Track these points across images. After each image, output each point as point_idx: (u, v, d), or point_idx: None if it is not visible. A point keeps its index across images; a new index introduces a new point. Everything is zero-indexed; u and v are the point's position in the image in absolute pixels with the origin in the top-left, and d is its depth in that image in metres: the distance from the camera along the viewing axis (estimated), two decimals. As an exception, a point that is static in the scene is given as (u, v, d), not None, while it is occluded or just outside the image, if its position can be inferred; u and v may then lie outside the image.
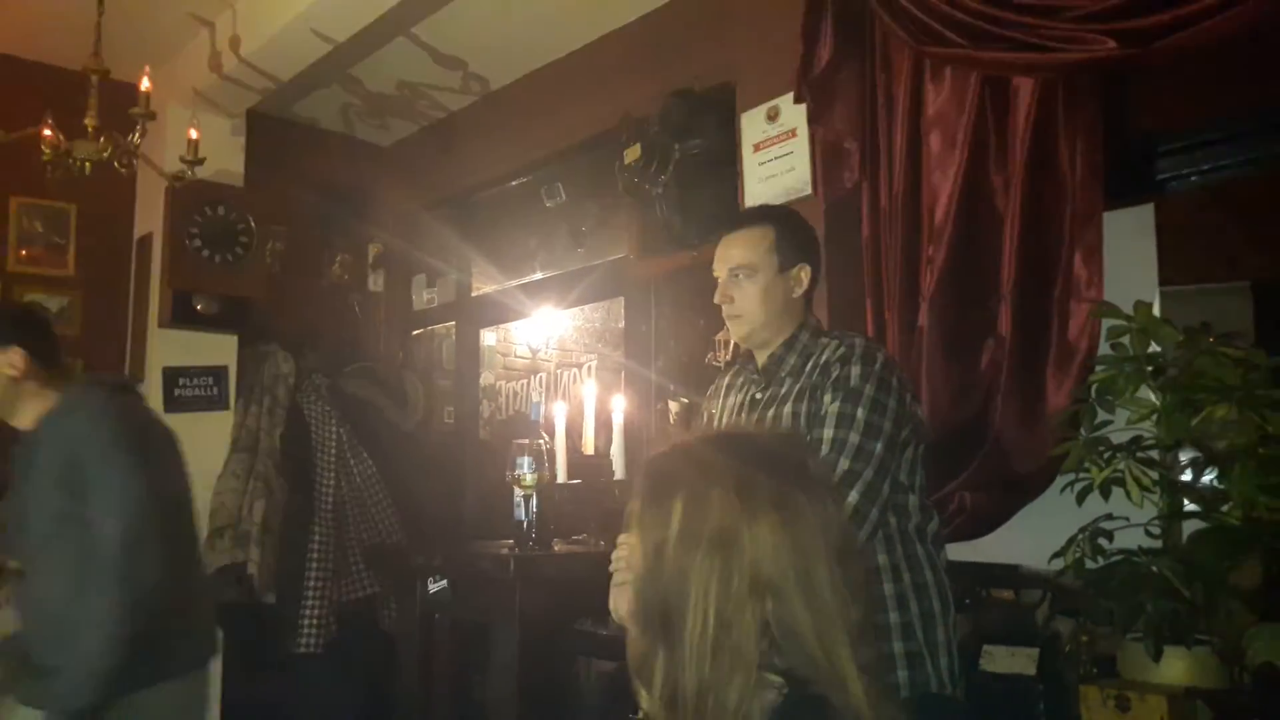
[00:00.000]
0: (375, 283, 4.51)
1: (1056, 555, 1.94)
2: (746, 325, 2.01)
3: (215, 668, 3.54)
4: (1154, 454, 1.87)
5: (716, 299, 2.03)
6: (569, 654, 2.75)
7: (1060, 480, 2.02)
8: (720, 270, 2.02)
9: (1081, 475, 1.92)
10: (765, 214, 2.11)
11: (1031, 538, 2.18)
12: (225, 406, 3.65)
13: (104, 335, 3.87)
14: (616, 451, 2.91)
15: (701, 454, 1.15)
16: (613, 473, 2.89)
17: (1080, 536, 1.91)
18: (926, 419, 2.20)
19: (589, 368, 4.14)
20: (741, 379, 2.11)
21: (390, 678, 3.27)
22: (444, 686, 2.86)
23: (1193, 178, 2.22)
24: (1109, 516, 1.87)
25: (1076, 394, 2.05)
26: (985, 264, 2.25)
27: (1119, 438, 1.89)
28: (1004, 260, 2.19)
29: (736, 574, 1.04)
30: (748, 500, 1.06)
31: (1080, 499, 1.92)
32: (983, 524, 2.26)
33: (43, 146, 2.82)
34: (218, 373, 3.66)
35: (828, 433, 1.82)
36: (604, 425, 2.98)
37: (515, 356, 4.70)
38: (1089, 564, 1.90)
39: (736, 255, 1.99)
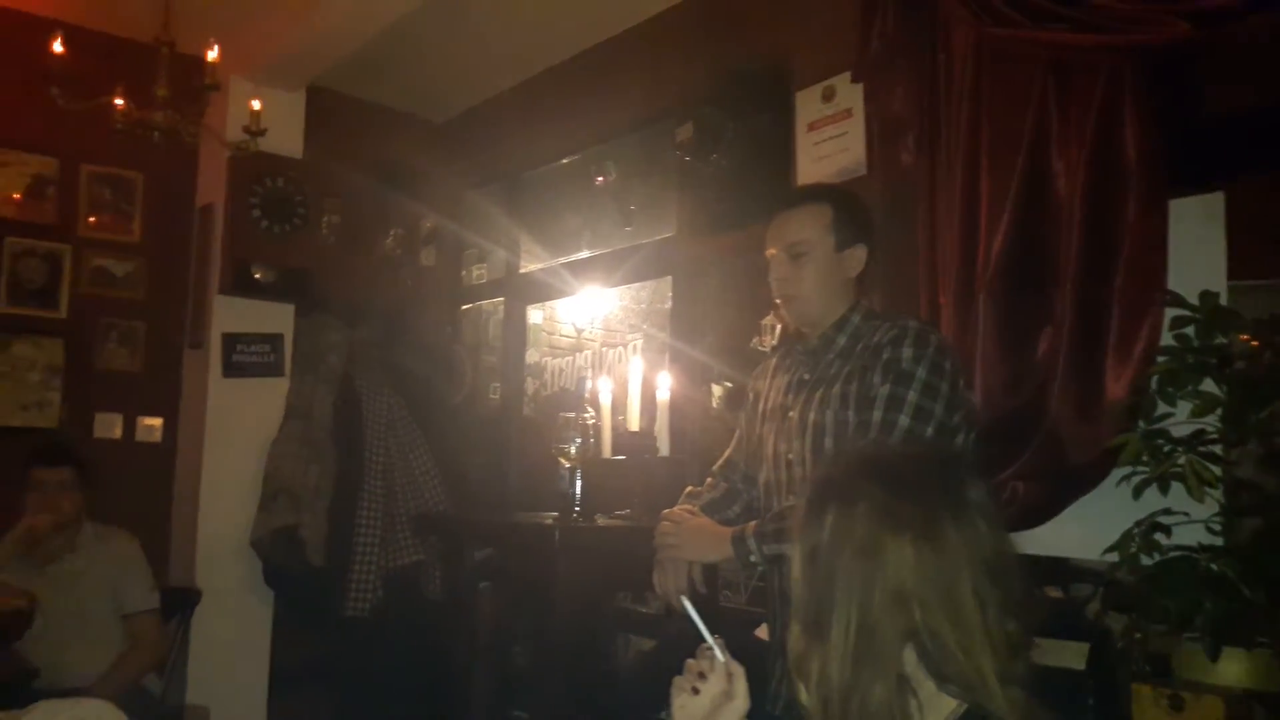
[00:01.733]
0: (426, 257, 4.55)
1: (1110, 549, 1.91)
2: (799, 305, 1.99)
3: (266, 626, 3.67)
4: (1216, 449, 1.82)
5: (770, 277, 2.01)
6: (609, 628, 2.78)
7: (1116, 473, 1.99)
8: (774, 247, 1.99)
9: (1139, 468, 1.88)
10: (822, 192, 2.09)
11: (1082, 530, 2.14)
12: (281, 373, 3.72)
13: (167, 300, 3.98)
14: (661, 429, 2.91)
15: (859, 468, 1.20)
16: (657, 450, 2.89)
17: (1135, 531, 1.87)
18: (979, 406, 2.18)
19: (634, 346, 4.15)
20: (790, 360, 2.10)
21: (434, 644, 3.32)
22: (486, 654, 2.89)
23: (1266, 166, 2.15)
24: (1166, 511, 1.83)
25: (1136, 385, 2.00)
26: (1044, 250, 2.20)
27: (1180, 431, 1.85)
28: (1064, 247, 2.14)
29: (879, 586, 1.09)
30: (894, 517, 1.12)
31: (1137, 493, 1.87)
32: (1034, 515, 2.22)
33: (115, 116, 2.89)
34: (274, 340, 3.73)
35: (877, 415, 1.80)
36: (649, 403, 2.98)
37: (560, 335, 4.71)
38: (1144, 559, 1.86)
39: (792, 232, 1.97)
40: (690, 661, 1.31)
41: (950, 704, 1.11)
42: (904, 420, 1.79)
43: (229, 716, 3.35)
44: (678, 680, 1.30)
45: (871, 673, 1.08)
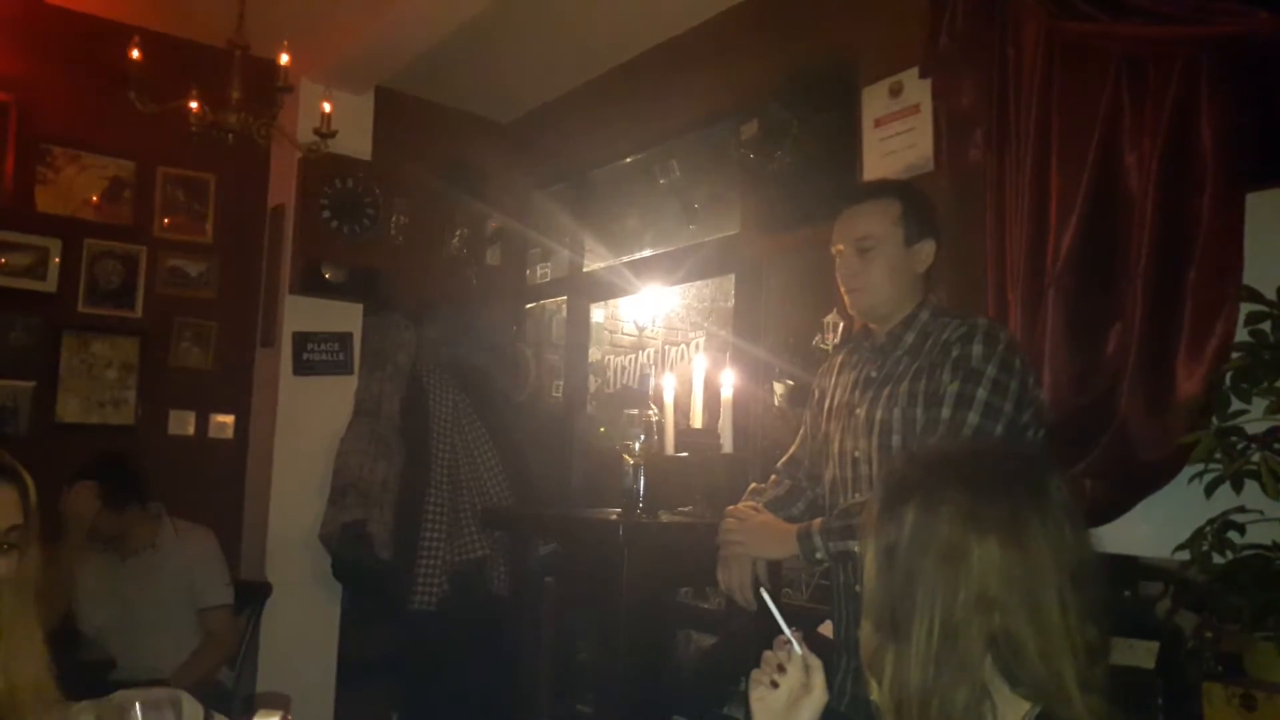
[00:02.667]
0: (492, 257, 4.61)
1: (1181, 548, 1.88)
2: (867, 299, 1.98)
3: (335, 619, 3.75)
4: (1293, 446, 1.79)
5: (838, 272, 2.01)
6: (672, 625, 2.79)
7: (1187, 470, 1.96)
8: (842, 242, 1.99)
9: (1211, 466, 1.85)
10: (891, 186, 2.08)
11: (1152, 528, 2.12)
12: (350, 371, 3.80)
13: (239, 300, 4.07)
14: (724, 426, 2.91)
15: (940, 467, 1.18)
16: (720, 446, 2.90)
17: (1207, 529, 1.84)
18: (1048, 402, 2.16)
19: (696, 344, 4.16)
20: (856, 357, 2.09)
21: (498, 638, 3.37)
22: (549, 648, 2.93)
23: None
24: (1240, 509, 1.80)
25: (1209, 381, 1.97)
26: (1115, 245, 2.17)
27: (1254, 428, 1.82)
28: (1135, 242, 2.12)
29: (963, 587, 1.08)
30: (979, 519, 1.10)
31: (1209, 491, 1.85)
32: (1103, 513, 2.19)
33: (190, 119, 2.97)
34: (343, 339, 3.81)
35: (946, 412, 1.80)
36: (712, 400, 2.99)
37: (622, 334, 4.75)
38: (1216, 558, 1.84)
39: (862, 226, 1.97)
40: (767, 654, 1.31)
41: (1024, 706, 1.10)
42: (973, 418, 1.78)
43: (298, 707, 3.40)
44: (755, 673, 1.30)
45: (953, 677, 1.07)
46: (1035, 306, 2.28)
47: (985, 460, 1.22)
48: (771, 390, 3.20)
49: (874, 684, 1.15)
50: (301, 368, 3.73)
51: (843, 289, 2.01)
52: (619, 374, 4.52)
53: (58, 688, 1.38)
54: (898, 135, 2.72)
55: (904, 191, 2.02)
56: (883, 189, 2.06)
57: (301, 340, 3.75)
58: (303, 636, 3.65)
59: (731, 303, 3.58)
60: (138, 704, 1.68)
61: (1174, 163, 2.06)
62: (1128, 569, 2.22)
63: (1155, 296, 2.09)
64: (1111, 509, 2.19)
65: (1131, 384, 2.11)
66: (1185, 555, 1.88)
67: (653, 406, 2.90)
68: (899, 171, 2.65)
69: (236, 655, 3.33)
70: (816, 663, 1.29)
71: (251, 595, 3.45)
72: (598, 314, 4.55)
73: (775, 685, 1.27)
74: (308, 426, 3.76)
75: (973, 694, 1.08)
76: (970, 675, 1.08)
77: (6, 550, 1.35)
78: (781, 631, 1.31)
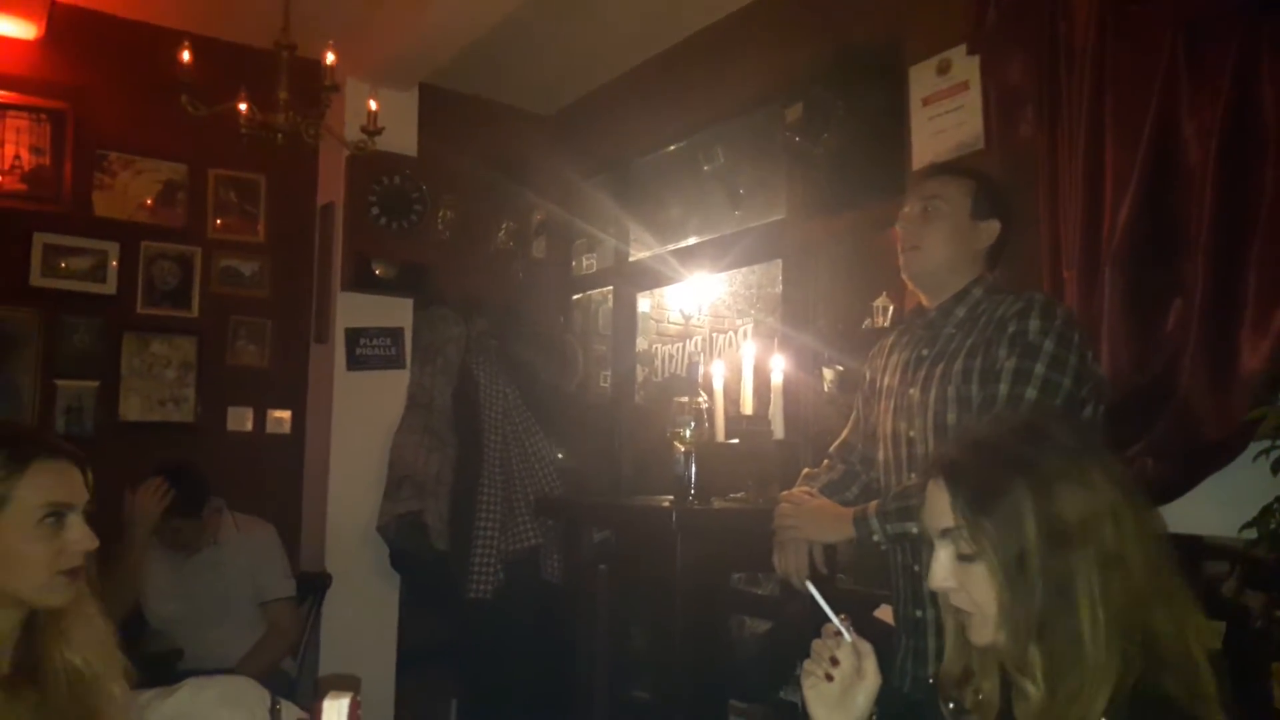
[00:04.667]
0: (538, 249, 4.64)
1: (1248, 525, 1.85)
2: (921, 260, 1.97)
3: (394, 608, 3.80)
4: (1363, 421, 1.75)
5: (900, 230, 2.00)
6: (726, 610, 2.80)
7: (1253, 447, 1.92)
8: (910, 202, 2.00)
9: (1278, 443, 1.81)
10: (967, 168, 2.10)
11: (1217, 507, 2.07)
12: (402, 365, 3.85)
13: (292, 297, 4.14)
14: (775, 412, 2.91)
15: (1021, 451, 1.15)
16: (771, 433, 2.89)
17: (1276, 505, 1.81)
18: (1107, 380, 2.13)
19: (744, 331, 4.15)
20: (908, 337, 2.08)
21: (554, 625, 3.40)
22: (605, 635, 2.95)
23: None
24: (1309, 485, 1.77)
25: (1275, 356, 1.93)
26: (1174, 219, 2.13)
27: (1324, 403, 1.78)
28: (1195, 214, 2.07)
29: (1105, 558, 1.07)
30: (1091, 487, 1.10)
31: (1276, 468, 1.81)
32: (1165, 492, 2.15)
33: (240, 120, 3.02)
34: (395, 334, 3.86)
35: (1003, 389, 1.78)
36: (762, 386, 2.99)
37: (669, 323, 4.74)
38: (1285, 535, 1.80)
39: (932, 188, 1.98)
40: (817, 643, 1.30)
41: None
42: (1031, 393, 1.75)
43: (361, 695, 3.48)
44: (808, 665, 1.29)
45: (1111, 653, 1.06)
46: (1092, 284, 2.24)
47: (1049, 432, 1.18)
48: (821, 377, 3.18)
49: (1031, 688, 1.11)
50: (355, 363, 3.79)
51: (900, 250, 2.00)
52: (666, 363, 4.53)
53: (127, 663, 1.42)
54: (947, 114, 2.68)
55: (978, 173, 2.04)
56: (959, 169, 2.08)
57: (354, 336, 3.80)
58: (363, 626, 3.71)
59: (779, 289, 3.56)
60: (208, 691, 1.73)
61: (1235, 132, 2.01)
62: (1192, 548, 2.18)
63: (1217, 270, 2.04)
64: (1173, 488, 2.15)
65: (1193, 360, 2.06)
66: (1252, 534, 1.84)
67: (702, 394, 2.90)
68: (949, 151, 2.62)
69: (299, 645, 3.39)
70: (867, 648, 1.29)
71: (312, 586, 3.52)
72: (644, 303, 4.56)
73: (830, 679, 1.27)
74: (363, 420, 3.81)
75: (1132, 666, 1.06)
76: (1127, 647, 1.06)
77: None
78: (830, 620, 1.30)
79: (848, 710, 1.27)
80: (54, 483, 1.37)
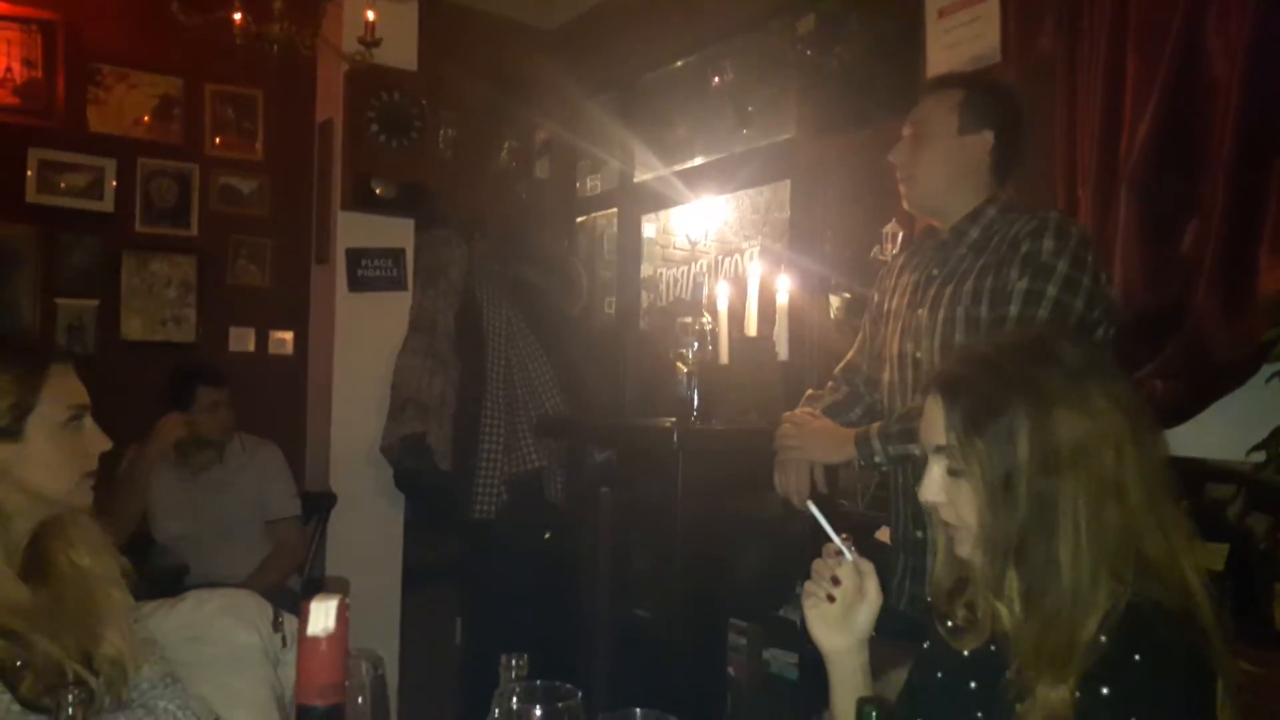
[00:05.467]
0: (541, 170, 4.56)
1: (1256, 448, 1.83)
2: (917, 189, 1.94)
3: (399, 528, 3.84)
4: (1381, 343, 1.72)
5: (892, 157, 1.96)
6: (727, 529, 2.80)
7: (1265, 370, 1.89)
8: (905, 131, 1.95)
9: (1293, 365, 1.79)
10: (957, 77, 2.03)
11: (1224, 430, 2.05)
12: (404, 287, 3.80)
13: (291, 217, 4.09)
14: (780, 334, 2.88)
15: (1023, 371, 1.12)
16: (775, 354, 2.87)
17: (1286, 428, 1.78)
18: (1119, 302, 2.09)
19: (751, 254, 4.09)
20: (918, 258, 2.04)
21: (558, 545, 3.42)
22: (607, 556, 2.97)
23: None
24: (1320, 408, 1.74)
25: (1293, 277, 1.89)
26: (1195, 137, 2.06)
27: (1341, 324, 1.74)
28: (1217, 131, 2.01)
29: (1099, 486, 1.05)
30: (1093, 413, 1.07)
31: (1290, 390, 1.79)
32: (1174, 415, 2.13)
33: (234, 31, 2.95)
34: (396, 255, 3.80)
35: (1014, 310, 1.75)
36: (767, 308, 2.95)
37: (675, 248, 4.69)
38: (1294, 458, 1.78)
39: (920, 110, 1.93)
40: (818, 563, 1.29)
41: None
42: (1042, 315, 1.73)
43: (365, 613, 3.52)
44: (809, 585, 1.28)
45: (1103, 577, 1.04)
46: (1107, 203, 2.18)
47: (1053, 351, 1.15)
48: (828, 303, 3.14)
49: (1003, 610, 1.10)
50: (356, 284, 3.74)
51: (900, 182, 1.96)
52: (671, 287, 4.48)
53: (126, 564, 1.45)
54: (963, 25, 2.59)
55: (970, 82, 1.95)
56: (948, 80, 1.99)
57: (355, 257, 3.76)
58: (368, 545, 3.74)
59: (787, 212, 3.50)
60: (211, 603, 1.73)
61: (1263, 44, 1.93)
62: (1196, 471, 2.17)
63: (1237, 189, 1.98)
64: (1183, 411, 2.12)
65: (1208, 280, 2.02)
66: (1260, 456, 1.82)
67: (706, 314, 2.87)
68: (965, 64, 2.54)
69: (304, 563, 3.44)
70: (869, 567, 1.28)
71: (317, 506, 3.54)
72: (649, 229, 4.49)
73: (832, 600, 1.25)
74: (366, 342, 3.79)
75: (1110, 588, 1.05)
76: (1111, 574, 1.05)
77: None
78: (831, 540, 1.29)
79: (850, 630, 1.26)
80: (72, 386, 1.39)
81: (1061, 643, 1.03)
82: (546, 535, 3.49)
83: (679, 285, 4.44)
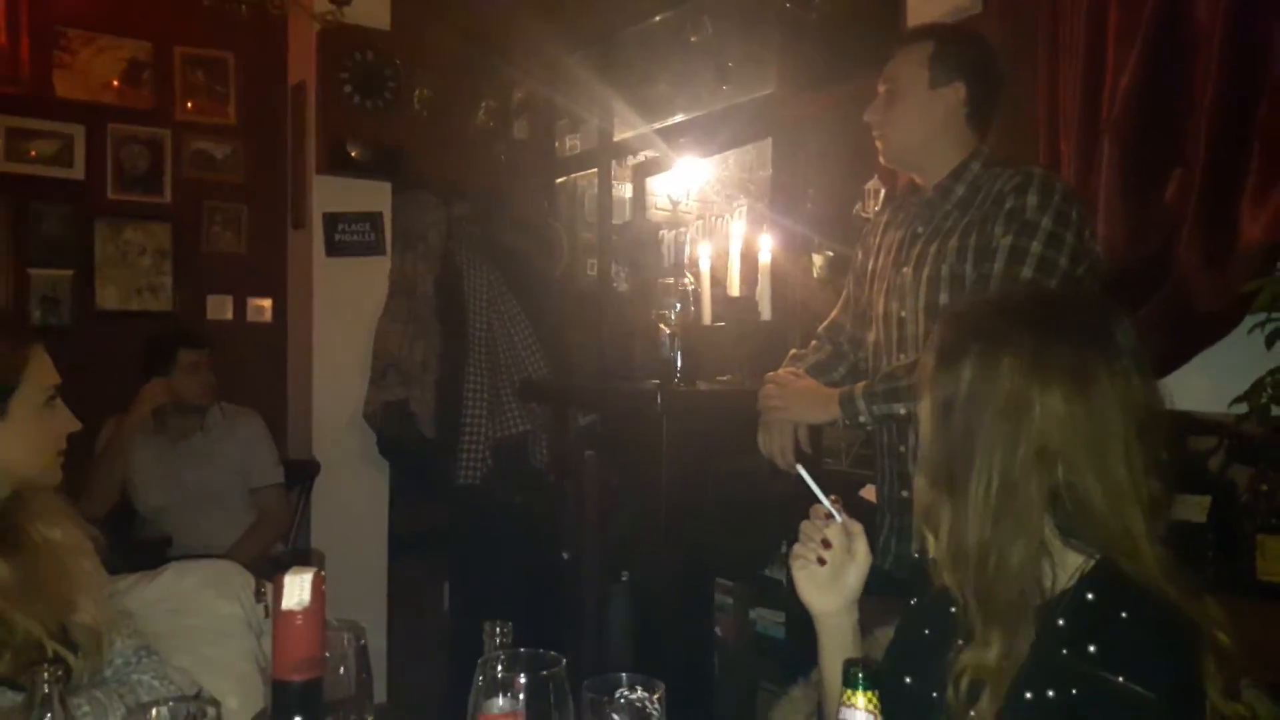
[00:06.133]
0: (519, 129, 4.50)
1: (1238, 400, 1.83)
2: (891, 146, 1.92)
3: (383, 494, 3.83)
4: (1364, 292, 1.71)
5: (867, 116, 1.93)
6: (712, 491, 2.80)
7: (1247, 321, 1.89)
8: (879, 89, 1.92)
9: (1274, 315, 1.78)
10: (929, 29, 1.99)
11: (1207, 381, 2.05)
12: (382, 252, 3.75)
13: (267, 182, 4.02)
14: (763, 293, 2.86)
15: (1000, 316, 1.14)
16: (759, 314, 2.85)
17: (1268, 380, 1.78)
18: (1102, 256, 2.08)
19: (738, 213, 4.06)
20: (903, 215, 2.02)
21: (543, 510, 3.41)
22: (592, 519, 2.96)
23: None
24: (1303, 360, 1.74)
25: (1275, 226, 1.88)
26: (1178, 86, 2.04)
27: (1322, 274, 1.74)
28: (1200, 79, 1.99)
29: (1024, 442, 1.05)
30: (1042, 369, 1.06)
31: (1270, 342, 1.79)
32: (1156, 367, 2.12)
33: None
34: (374, 219, 3.75)
35: (997, 267, 1.73)
36: (750, 268, 2.93)
37: (656, 209, 4.65)
38: (1276, 410, 1.78)
39: (891, 67, 1.90)
40: (806, 525, 1.28)
41: (1078, 559, 1.09)
42: (1027, 273, 1.71)
43: (352, 580, 3.52)
44: (798, 549, 1.27)
45: (1012, 532, 1.06)
46: (1090, 155, 2.17)
47: (1049, 306, 1.17)
48: (810, 262, 3.12)
49: (930, 538, 1.13)
50: (334, 249, 3.69)
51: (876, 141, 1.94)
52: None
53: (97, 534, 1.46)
54: (945, -26, 2.55)
55: (941, 33, 1.92)
56: (921, 32, 1.96)
57: (332, 221, 3.70)
58: (353, 512, 3.73)
59: (769, 171, 3.47)
60: (191, 576, 1.72)
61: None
62: (1179, 423, 2.17)
63: (1220, 138, 1.97)
64: (1166, 362, 2.12)
65: (1191, 231, 2.01)
66: (1242, 408, 1.83)
67: (688, 275, 2.85)
68: (946, 14, 2.50)
69: (289, 531, 3.42)
70: (858, 528, 1.27)
71: (300, 473, 3.52)
72: (628, 189, 4.45)
73: (823, 562, 1.25)
74: (345, 308, 3.75)
75: (1030, 548, 1.07)
76: (1029, 529, 1.06)
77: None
78: (819, 501, 1.28)
79: (839, 591, 1.25)
80: (50, 366, 1.41)
81: (994, 594, 1.06)
82: (516, 499, 3.48)
83: (667, 248, 4.41)
